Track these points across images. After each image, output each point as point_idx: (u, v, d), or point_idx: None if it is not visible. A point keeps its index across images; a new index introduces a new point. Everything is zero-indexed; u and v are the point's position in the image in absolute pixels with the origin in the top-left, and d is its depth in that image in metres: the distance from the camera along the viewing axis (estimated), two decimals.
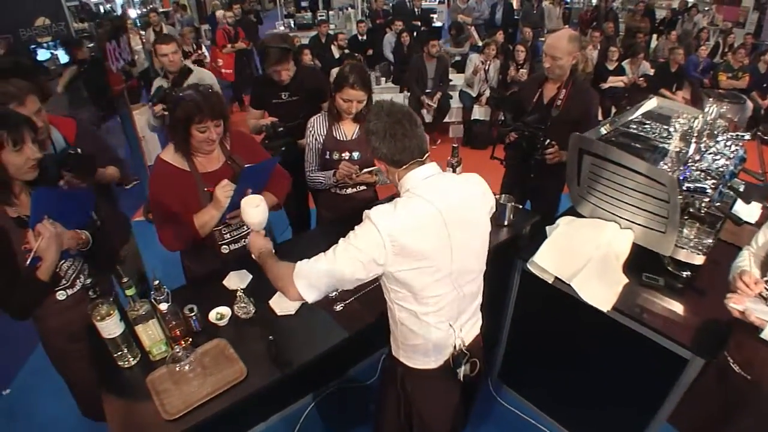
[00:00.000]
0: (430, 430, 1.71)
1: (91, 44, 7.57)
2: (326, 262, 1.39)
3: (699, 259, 1.90)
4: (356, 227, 1.39)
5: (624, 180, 1.95)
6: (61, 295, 1.87)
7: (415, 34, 7.71)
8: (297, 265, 1.45)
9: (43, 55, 7.60)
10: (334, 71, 5.81)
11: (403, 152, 1.40)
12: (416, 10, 9.32)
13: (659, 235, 1.92)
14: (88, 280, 1.55)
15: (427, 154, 1.44)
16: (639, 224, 1.98)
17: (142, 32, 8.62)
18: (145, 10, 10.23)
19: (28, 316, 1.82)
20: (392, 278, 1.41)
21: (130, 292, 1.56)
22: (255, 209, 1.73)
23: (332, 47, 7.24)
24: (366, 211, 1.38)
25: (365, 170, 2.38)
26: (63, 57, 7.84)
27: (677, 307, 1.86)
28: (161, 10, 11.53)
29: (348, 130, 2.50)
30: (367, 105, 2.41)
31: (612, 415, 2.16)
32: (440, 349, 1.55)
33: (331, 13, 10.89)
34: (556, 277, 1.98)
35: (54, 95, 6.42)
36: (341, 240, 1.40)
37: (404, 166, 1.42)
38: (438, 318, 1.49)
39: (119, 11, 10.93)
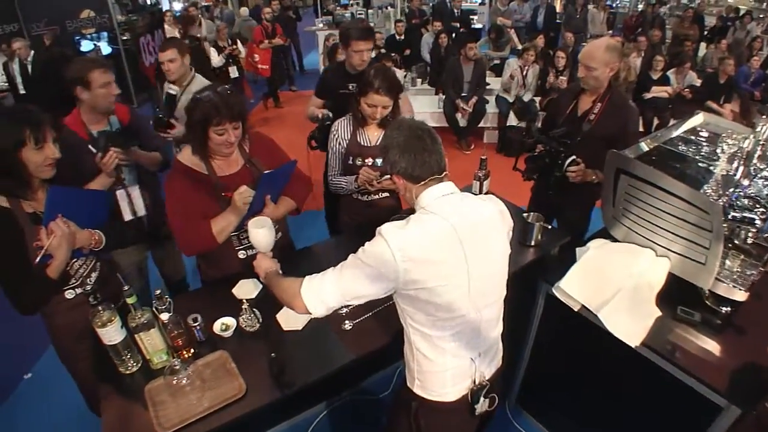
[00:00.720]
0: None
1: (126, 37, 7.75)
2: (334, 276, 1.38)
3: (741, 295, 1.74)
4: (367, 243, 1.36)
5: (663, 204, 1.81)
6: (69, 294, 1.87)
7: (453, 35, 7.59)
8: (306, 278, 1.43)
9: (86, 46, 7.83)
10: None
11: (422, 167, 1.38)
12: (456, 11, 9.16)
13: (698, 266, 1.77)
14: (90, 287, 1.54)
15: (445, 172, 1.42)
16: (677, 253, 1.83)
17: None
18: (188, 3, 10.38)
19: (34, 312, 1.82)
20: (405, 297, 1.36)
21: (131, 300, 1.52)
22: (260, 230, 1.71)
23: None
24: (378, 228, 1.35)
25: (386, 176, 2.30)
26: (105, 48, 8.07)
27: (713, 347, 1.70)
28: (204, 3, 11.73)
29: (372, 135, 2.42)
30: (393, 111, 2.32)
31: None
32: (458, 380, 1.47)
33: (370, 11, 10.84)
34: (583, 305, 1.85)
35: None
36: (351, 255, 1.37)
37: (422, 182, 1.39)
38: (455, 344, 1.42)
39: (165, 5, 11.18)
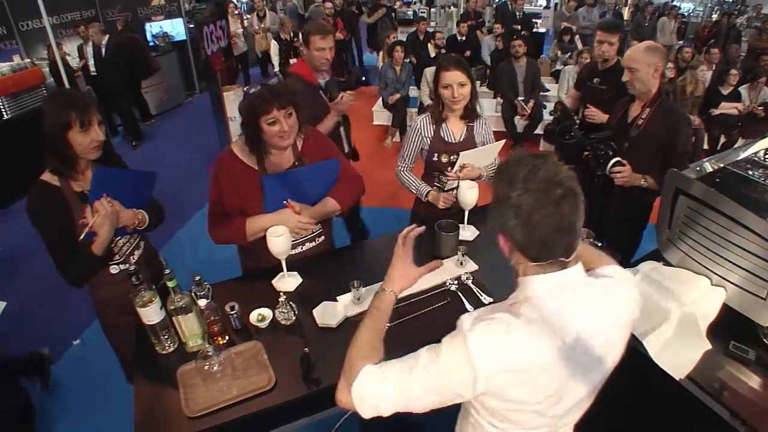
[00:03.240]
0: None
1: (192, 26, 8.03)
2: (396, 389, 1.06)
3: None
4: (446, 343, 1.04)
5: (724, 231, 1.69)
6: (114, 269, 1.96)
7: (514, 38, 7.45)
8: (362, 373, 1.10)
9: (153, 31, 8.17)
10: (428, 70, 5.81)
11: (544, 249, 0.99)
12: (518, 13, 8.97)
13: (758, 300, 1.65)
14: (133, 268, 1.60)
15: (574, 254, 1.03)
16: (734, 284, 1.71)
17: (247, 16, 8.99)
18: None
19: (81, 285, 1.92)
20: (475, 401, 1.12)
21: (171, 283, 1.56)
22: (276, 239, 1.78)
23: (429, 46, 7.15)
24: (464, 320, 1.04)
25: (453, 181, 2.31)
26: (179, 35, 8.37)
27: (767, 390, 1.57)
28: None
29: (456, 130, 2.41)
30: (472, 98, 2.33)
31: None
32: None
33: (432, 10, 10.79)
34: None
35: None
36: (423, 358, 1.05)
37: (538, 264, 1.02)
38: None
39: None
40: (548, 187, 0.95)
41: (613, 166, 2.40)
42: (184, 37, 8.60)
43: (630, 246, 2.71)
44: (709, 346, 1.69)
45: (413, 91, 6.49)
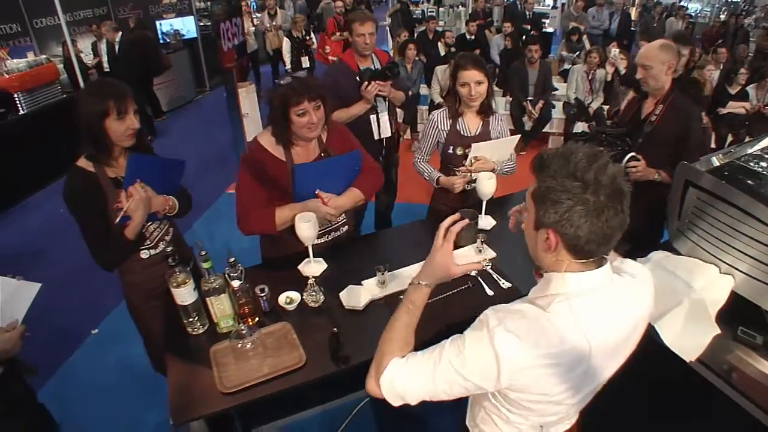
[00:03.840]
0: None
1: (201, 24, 8.13)
2: (422, 381, 1.11)
3: None
4: (470, 334, 1.07)
5: (732, 221, 1.76)
6: (144, 254, 2.03)
7: (524, 37, 7.52)
8: (390, 365, 1.15)
9: (164, 29, 8.27)
10: (438, 68, 5.87)
11: (602, 244, 1.00)
12: (528, 13, 9.03)
13: (765, 287, 1.71)
14: (169, 248, 1.69)
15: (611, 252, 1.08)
16: (742, 272, 1.78)
17: (257, 14, 9.07)
18: None
19: (113, 268, 2.00)
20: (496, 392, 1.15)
21: (207, 264, 1.64)
22: (305, 224, 1.87)
23: (439, 44, 7.22)
24: (490, 315, 1.05)
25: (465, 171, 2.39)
26: (190, 32, 8.47)
27: None
28: None
29: (472, 125, 2.50)
30: (487, 95, 2.42)
31: None
32: None
33: (441, 9, 10.84)
34: None
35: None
36: (447, 351, 1.08)
37: (582, 261, 1.04)
38: (529, 426, 1.23)
39: None
40: (617, 185, 0.96)
41: (628, 161, 2.46)
42: (195, 35, 8.71)
43: (650, 240, 2.76)
44: (718, 330, 1.75)
45: (423, 89, 6.56)
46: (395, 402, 1.16)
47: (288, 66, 7.22)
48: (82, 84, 6.24)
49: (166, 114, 7.71)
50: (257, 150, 2.01)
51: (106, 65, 6.93)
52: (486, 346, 1.01)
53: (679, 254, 2.01)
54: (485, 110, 2.47)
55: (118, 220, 1.80)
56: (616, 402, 2.09)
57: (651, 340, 1.77)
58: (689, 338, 1.72)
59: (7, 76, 5.83)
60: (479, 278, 1.97)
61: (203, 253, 1.64)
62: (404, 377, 1.13)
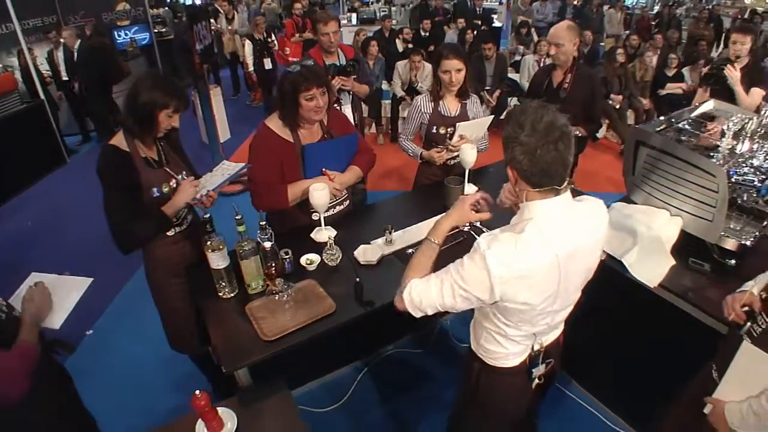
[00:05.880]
0: (501, 424, 1.75)
1: (164, 29, 8.13)
2: (434, 295, 1.40)
3: (742, 247, 2.00)
4: (468, 258, 1.35)
5: (677, 170, 2.11)
6: (171, 231, 2.15)
7: (475, 32, 7.90)
8: (410, 284, 1.46)
9: (121, 38, 8.19)
10: (399, 64, 6.14)
11: (545, 176, 1.28)
12: (477, 9, 9.47)
13: (707, 223, 2.06)
14: (208, 215, 1.85)
15: (566, 182, 1.32)
16: (688, 212, 2.13)
17: (212, 20, 9.07)
18: None
19: (131, 249, 2.03)
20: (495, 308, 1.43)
21: (241, 228, 1.83)
22: (319, 192, 2.09)
23: (396, 41, 7.51)
24: (481, 241, 1.32)
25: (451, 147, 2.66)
26: (142, 39, 8.42)
27: (718, 290, 1.92)
28: None
29: (452, 106, 2.79)
30: (465, 80, 2.69)
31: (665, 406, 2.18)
32: (519, 355, 1.57)
33: (393, 8, 11.14)
34: (609, 254, 2.16)
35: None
36: (452, 272, 1.38)
37: (539, 189, 1.32)
38: (524, 337, 1.51)
39: None
40: (550, 130, 1.24)
41: None
42: (150, 42, 8.66)
43: None
44: (673, 261, 2.11)
45: (385, 85, 6.81)
46: (415, 312, 1.47)
47: (251, 68, 7.32)
48: (41, 93, 6.16)
49: None
50: (266, 133, 2.21)
51: (64, 74, 6.82)
52: (480, 264, 1.30)
53: (635, 204, 2.35)
54: (463, 94, 2.76)
55: (156, 193, 1.98)
56: (592, 324, 2.43)
57: (619, 273, 2.11)
58: (650, 269, 2.06)
59: None
60: (472, 232, 2.30)
61: (238, 217, 1.82)
62: (421, 294, 1.43)
